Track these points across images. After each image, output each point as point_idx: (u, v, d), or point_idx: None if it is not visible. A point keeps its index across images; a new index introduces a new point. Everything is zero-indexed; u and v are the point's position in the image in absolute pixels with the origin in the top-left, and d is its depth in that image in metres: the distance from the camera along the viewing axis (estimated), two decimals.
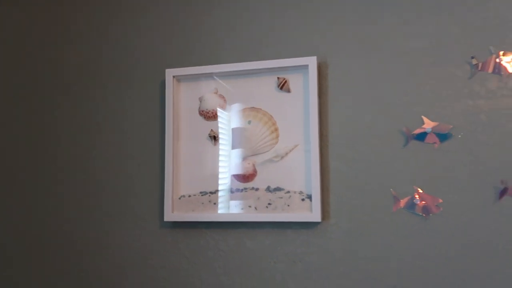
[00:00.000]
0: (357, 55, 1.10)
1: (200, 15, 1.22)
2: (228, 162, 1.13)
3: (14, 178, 1.30)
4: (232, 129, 1.14)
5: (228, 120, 1.15)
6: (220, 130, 1.15)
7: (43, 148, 1.29)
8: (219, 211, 1.12)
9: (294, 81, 1.11)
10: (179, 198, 1.15)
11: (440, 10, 1.06)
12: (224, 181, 1.13)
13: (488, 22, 1.03)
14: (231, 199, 1.12)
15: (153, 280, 1.17)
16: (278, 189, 1.09)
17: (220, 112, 1.15)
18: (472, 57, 1.03)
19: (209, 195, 1.14)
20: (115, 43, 1.27)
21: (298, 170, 1.09)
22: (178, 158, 1.17)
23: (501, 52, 1.01)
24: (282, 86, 1.12)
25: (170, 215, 1.14)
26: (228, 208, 1.12)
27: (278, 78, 1.12)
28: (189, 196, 1.15)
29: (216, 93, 1.17)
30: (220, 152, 1.14)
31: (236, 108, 1.15)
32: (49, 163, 1.28)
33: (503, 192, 0.98)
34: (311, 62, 1.08)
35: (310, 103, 1.07)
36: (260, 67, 1.12)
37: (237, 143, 1.13)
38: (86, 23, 1.30)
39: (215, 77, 1.16)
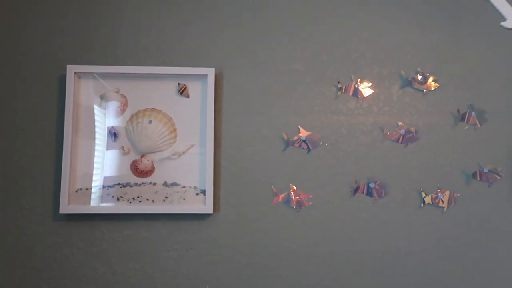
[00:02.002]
0: (248, 70, 1.28)
1: (106, 15, 1.27)
2: (128, 158, 1.21)
3: None
4: (135, 126, 1.22)
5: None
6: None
7: None
8: (116, 204, 1.19)
9: (193, 87, 1.24)
10: (76, 191, 1.18)
11: (314, 41, 1.30)
12: (123, 176, 1.20)
13: (349, 55, 1.30)
14: (129, 192, 1.19)
15: (43, 272, 1.17)
16: (174, 184, 1.21)
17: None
18: (338, 82, 1.29)
19: (107, 189, 1.19)
20: (13, 33, 1.25)
21: (193, 168, 1.21)
22: (76, 152, 1.20)
23: (359, 80, 1.29)
24: (182, 91, 1.24)
25: (65, 208, 1.16)
26: (126, 201, 1.19)
27: (178, 84, 1.24)
28: (86, 189, 1.19)
29: (117, 92, 1.23)
30: (120, 148, 1.21)
31: (137, 108, 1.23)
32: None
33: (356, 190, 1.25)
34: (210, 72, 1.22)
35: (207, 108, 1.21)
36: (163, 72, 1.22)
37: (138, 140, 1.21)
38: None
39: (116, 77, 1.23)
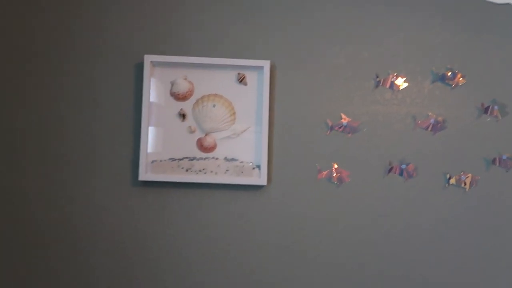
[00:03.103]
0: (298, 63, 1.46)
1: (175, 12, 1.46)
2: (194, 135, 1.41)
3: None
4: (200, 109, 1.42)
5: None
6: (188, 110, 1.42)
7: (23, 111, 1.41)
8: (185, 174, 1.39)
9: (250, 77, 1.44)
10: (151, 162, 1.40)
11: (355, 39, 1.48)
12: (190, 151, 1.40)
13: (387, 52, 1.48)
14: (196, 165, 1.40)
15: (121, 230, 1.39)
16: (233, 159, 1.41)
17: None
18: (376, 76, 1.47)
19: (178, 161, 1.40)
20: (97, 25, 1.45)
21: (249, 146, 1.41)
22: (152, 129, 1.40)
23: (395, 74, 1.47)
24: (241, 80, 1.43)
25: (144, 176, 1.37)
26: (193, 172, 1.40)
27: (238, 73, 1.43)
28: (160, 161, 1.40)
29: (185, 79, 1.43)
30: (187, 127, 1.41)
31: (202, 93, 1.43)
32: (27, 127, 1.41)
33: (389, 170, 1.43)
34: (266, 64, 1.42)
35: (263, 95, 1.41)
36: (226, 63, 1.42)
37: (203, 121, 1.42)
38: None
39: (184, 66, 1.43)
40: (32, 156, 1.40)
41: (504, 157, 1.45)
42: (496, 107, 1.47)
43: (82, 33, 1.45)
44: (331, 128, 1.45)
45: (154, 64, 1.42)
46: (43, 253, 1.38)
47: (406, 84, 1.47)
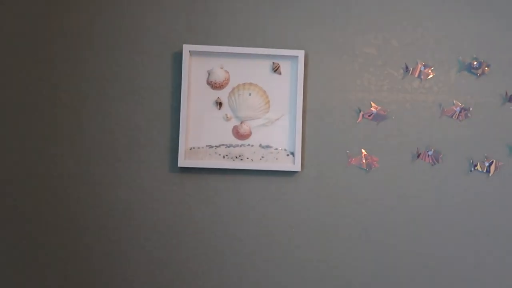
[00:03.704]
0: (329, 53, 1.51)
1: (208, 1, 1.50)
2: (230, 123, 1.47)
3: (31, 127, 1.45)
4: (236, 98, 1.47)
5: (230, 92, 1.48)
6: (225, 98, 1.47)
7: (65, 98, 1.46)
8: (222, 161, 1.45)
9: (284, 66, 1.48)
10: (190, 149, 1.45)
11: (385, 29, 1.52)
12: (227, 138, 1.46)
13: (415, 42, 1.52)
14: (232, 152, 1.46)
15: (160, 213, 1.46)
16: (268, 146, 1.47)
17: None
18: (405, 65, 1.52)
19: (215, 148, 1.46)
20: (136, 15, 1.49)
21: (283, 133, 1.47)
22: (189, 117, 1.46)
23: (423, 63, 1.52)
24: (276, 69, 1.48)
25: (183, 162, 1.43)
26: (230, 158, 1.46)
27: (273, 63, 1.48)
28: (198, 148, 1.46)
29: (222, 68, 1.48)
30: (224, 115, 1.47)
31: (237, 82, 1.47)
32: (72, 115, 1.46)
33: (417, 156, 1.50)
34: (300, 54, 1.46)
35: (297, 84, 1.46)
36: (261, 53, 1.46)
37: (239, 109, 1.47)
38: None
39: (221, 55, 1.47)
40: (73, 145, 1.46)
41: None
42: None
43: (121, 23, 1.48)
44: (361, 116, 1.50)
45: (192, 53, 1.46)
46: (85, 236, 1.45)
47: (433, 73, 1.52)
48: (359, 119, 1.50)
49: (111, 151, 1.46)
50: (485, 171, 1.51)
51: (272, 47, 1.49)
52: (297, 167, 1.45)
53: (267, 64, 1.48)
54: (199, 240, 1.46)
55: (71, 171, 1.46)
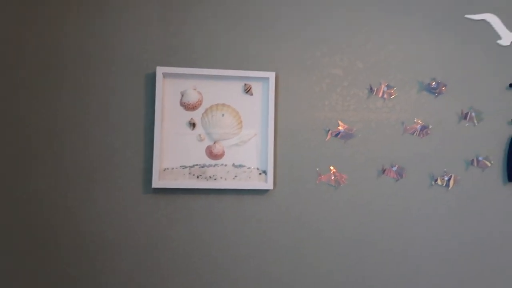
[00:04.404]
0: (298, 74, 1.57)
1: (184, 25, 1.53)
2: (203, 143, 1.49)
3: (4, 147, 1.43)
4: (209, 118, 1.50)
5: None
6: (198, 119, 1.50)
7: (38, 121, 1.44)
8: (196, 181, 1.47)
9: (256, 87, 1.53)
10: (164, 170, 1.47)
11: (351, 51, 1.60)
12: (200, 158, 1.48)
13: (379, 63, 1.61)
14: (206, 171, 1.48)
15: (136, 232, 1.46)
16: (241, 165, 1.50)
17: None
18: (370, 85, 1.60)
19: (189, 168, 1.48)
20: (110, 37, 1.49)
21: (256, 152, 1.51)
22: (163, 138, 1.47)
23: (386, 84, 1.60)
24: (248, 90, 1.52)
25: (157, 183, 1.44)
26: (203, 178, 1.48)
27: (245, 84, 1.52)
28: (172, 168, 1.47)
29: (195, 89, 1.50)
30: (197, 136, 1.49)
31: (210, 102, 1.50)
32: (41, 136, 1.44)
33: (383, 172, 1.58)
34: (271, 75, 1.51)
35: (268, 104, 1.51)
36: (233, 74, 1.50)
37: (212, 129, 1.50)
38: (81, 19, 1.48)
39: (194, 77, 1.50)
40: (46, 165, 1.44)
41: (480, 158, 1.63)
42: (473, 114, 1.64)
43: (95, 45, 1.48)
44: (330, 135, 1.57)
45: (165, 75, 1.48)
46: (55, 259, 1.43)
47: (395, 93, 1.61)
48: (328, 138, 1.57)
49: (84, 172, 1.46)
50: (444, 185, 1.60)
51: (244, 69, 1.54)
52: (269, 185, 1.49)
53: (239, 85, 1.52)
54: (174, 260, 1.48)
55: (43, 191, 1.44)
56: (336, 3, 1.61)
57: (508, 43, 1.67)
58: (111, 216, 1.46)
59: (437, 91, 1.63)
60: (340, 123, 1.58)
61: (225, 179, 1.49)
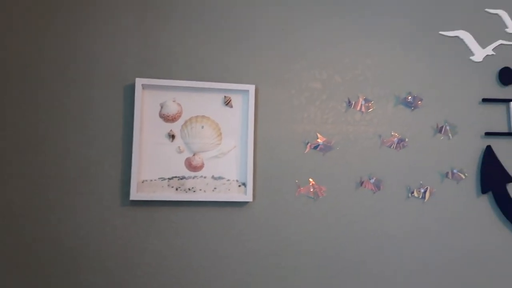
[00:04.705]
0: (278, 87, 1.59)
1: (162, 36, 1.53)
2: (183, 155, 1.49)
3: None
4: (189, 130, 1.49)
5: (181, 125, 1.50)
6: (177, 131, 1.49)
7: (16, 132, 1.41)
8: (175, 193, 1.46)
9: (236, 100, 1.53)
10: (142, 182, 1.45)
11: (330, 65, 1.63)
12: (179, 170, 1.48)
13: (357, 78, 1.64)
14: (185, 183, 1.48)
15: (113, 245, 1.44)
16: (220, 178, 1.50)
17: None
18: (348, 99, 1.62)
19: (167, 180, 1.47)
20: (89, 49, 1.48)
21: (235, 164, 1.51)
22: (142, 150, 1.46)
23: (364, 97, 1.63)
24: (228, 103, 1.53)
25: (135, 195, 1.43)
26: (182, 190, 1.47)
27: (225, 96, 1.53)
28: (150, 180, 1.46)
29: (174, 101, 1.50)
30: (176, 147, 1.49)
31: (190, 114, 1.50)
32: (18, 147, 1.41)
33: (361, 184, 1.60)
34: (251, 88, 1.53)
35: (248, 117, 1.51)
36: (213, 87, 1.51)
37: (192, 141, 1.49)
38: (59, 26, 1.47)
39: (173, 89, 1.50)
40: (23, 177, 1.41)
41: (455, 171, 1.66)
42: (448, 127, 1.68)
43: (74, 57, 1.47)
44: (309, 147, 1.58)
45: (144, 87, 1.48)
46: (33, 272, 1.39)
47: (373, 107, 1.64)
48: (307, 150, 1.58)
49: (61, 184, 1.43)
50: (421, 197, 1.63)
51: (224, 81, 1.55)
52: (249, 197, 1.49)
53: (219, 98, 1.53)
54: (152, 274, 1.46)
55: (19, 204, 1.40)
56: (316, 18, 1.64)
57: (481, 59, 1.73)
58: (87, 229, 1.43)
59: (413, 105, 1.67)
60: (319, 135, 1.60)
61: (204, 191, 1.49)
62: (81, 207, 1.44)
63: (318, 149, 1.59)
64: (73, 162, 1.44)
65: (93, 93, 1.47)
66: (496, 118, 1.71)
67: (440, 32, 1.71)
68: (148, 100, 1.49)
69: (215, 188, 1.49)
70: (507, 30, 1.76)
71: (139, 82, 1.46)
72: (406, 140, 1.65)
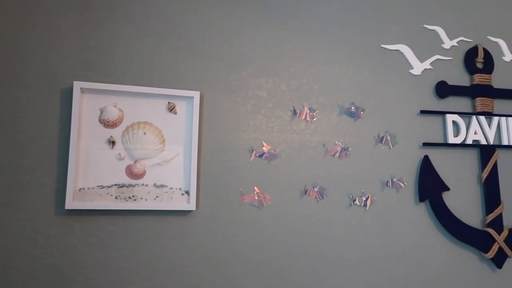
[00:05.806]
0: (224, 95, 1.57)
1: (103, 38, 1.47)
2: (123, 162, 1.43)
3: None
4: (130, 136, 1.44)
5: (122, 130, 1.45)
6: (118, 137, 1.44)
7: None
8: (114, 202, 1.40)
9: (180, 106, 1.50)
10: (79, 190, 1.38)
11: (276, 73, 1.64)
12: (119, 177, 1.42)
13: (302, 87, 1.66)
14: (125, 192, 1.42)
15: (46, 259, 1.35)
16: (163, 186, 1.46)
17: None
18: (293, 108, 1.64)
19: (106, 188, 1.41)
20: (21, 50, 1.40)
21: (178, 172, 1.48)
22: (79, 157, 1.39)
23: (309, 107, 1.65)
24: (172, 109, 1.49)
25: (71, 204, 1.35)
26: (122, 199, 1.41)
27: (169, 102, 1.49)
28: (88, 188, 1.39)
29: (115, 106, 1.45)
30: (117, 154, 1.43)
31: (132, 120, 1.45)
32: None
33: (305, 192, 1.61)
34: (196, 95, 1.50)
35: (192, 124, 1.49)
36: (157, 92, 1.47)
37: (133, 148, 1.44)
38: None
39: (115, 93, 1.44)
40: None
41: (395, 179, 1.72)
42: (388, 137, 1.74)
43: (3, 54, 1.38)
44: (254, 155, 1.58)
45: (83, 90, 1.41)
46: None
47: (317, 116, 1.66)
48: (252, 158, 1.58)
49: None
50: (362, 205, 1.67)
51: (168, 87, 1.51)
52: (192, 206, 1.46)
53: (162, 104, 1.49)
54: (90, 286, 1.38)
55: None
56: (263, 27, 1.65)
57: (419, 73, 1.80)
58: (18, 240, 1.34)
59: (356, 115, 1.71)
60: (264, 144, 1.60)
61: (146, 199, 1.44)
62: (10, 217, 1.34)
63: (263, 157, 1.59)
64: (5, 170, 1.35)
65: (26, 96, 1.39)
66: (433, 129, 1.79)
67: (382, 45, 1.78)
68: (87, 104, 1.42)
69: (157, 197, 1.45)
70: (443, 46, 1.85)
71: (77, 85, 1.39)
72: (349, 149, 1.68)
